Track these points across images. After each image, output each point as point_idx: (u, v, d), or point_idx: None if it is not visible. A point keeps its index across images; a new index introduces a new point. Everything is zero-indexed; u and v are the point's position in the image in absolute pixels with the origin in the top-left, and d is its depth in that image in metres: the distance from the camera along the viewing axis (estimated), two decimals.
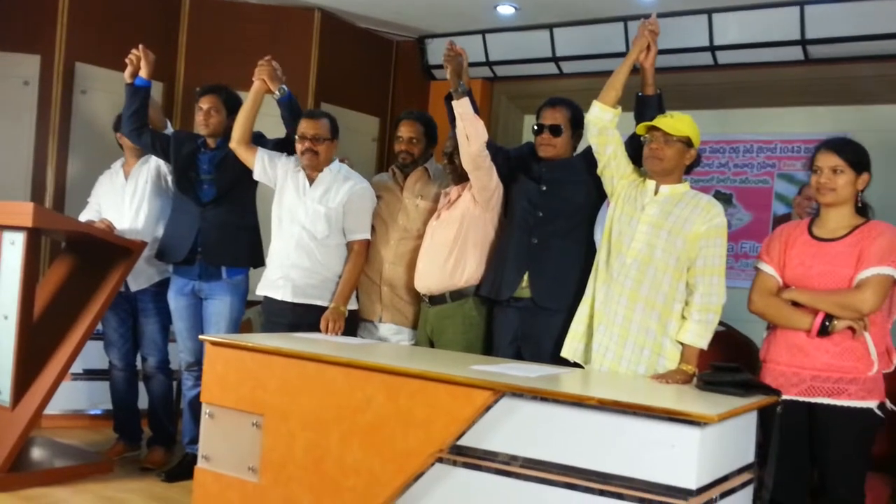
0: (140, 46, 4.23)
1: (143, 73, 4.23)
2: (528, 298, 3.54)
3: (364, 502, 2.83)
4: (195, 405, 3.97)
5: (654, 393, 2.73)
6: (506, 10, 5.99)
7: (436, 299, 3.79)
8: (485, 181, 3.67)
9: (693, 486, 2.31)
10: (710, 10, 5.59)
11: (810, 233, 3.05)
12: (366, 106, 6.67)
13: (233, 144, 4.09)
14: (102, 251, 4.19)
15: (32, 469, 4.06)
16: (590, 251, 3.49)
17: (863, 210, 3.02)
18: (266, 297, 4.01)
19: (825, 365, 2.91)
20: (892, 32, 5.10)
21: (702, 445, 2.32)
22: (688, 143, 3.18)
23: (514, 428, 2.60)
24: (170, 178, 4.44)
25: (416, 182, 4.07)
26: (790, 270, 3.03)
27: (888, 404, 2.96)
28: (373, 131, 6.79)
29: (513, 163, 3.77)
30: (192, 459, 3.54)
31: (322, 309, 3.84)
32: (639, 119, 3.43)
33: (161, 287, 4.42)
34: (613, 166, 3.36)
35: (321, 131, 3.93)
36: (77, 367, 4.76)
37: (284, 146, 4.15)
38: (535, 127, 3.67)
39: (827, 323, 2.89)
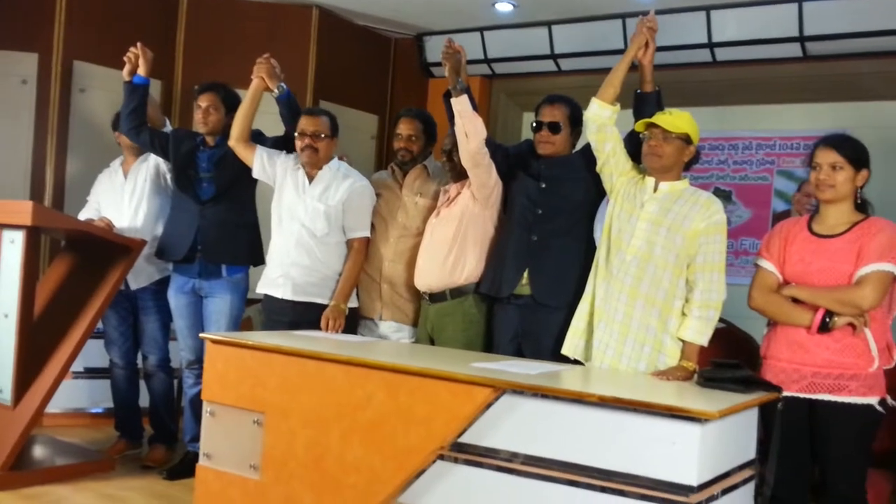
0: (138, 44, 4.22)
1: (141, 71, 4.22)
2: (528, 296, 3.54)
3: (365, 499, 2.84)
4: (196, 403, 3.97)
5: (654, 390, 2.74)
6: (504, 7, 5.99)
7: (436, 297, 3.79)
8: (484, 178, 3.67)
9: (694, 482, 2.31)
10: (708, 7, 5.59)
11: (810, 229, 3.05)
12: (364, 104, 6.67)
13: (232, 142, 4.09)
14: (102, 249, 4.19)
15: (34, 467, 4.06)
16: (589, 248, 3.49)
17: (862, 206, 3.02)
18: (266, 296, 4.01)
19: (826, 361, 2.91)
20: (891, 29, 5.10)
21: (703, 442, 2.33)
22: (687, 139, 3.18)
23: (515, 425, 2.61)
24: (169, 177, 4.44)
25: (415, 180, 4.07)
26: (790, 267, 3.04)
27: (889, 400, 2.95)
28: (371, 129, 6.78)
29: (512, 160, 3.77)
30: (194, 457, 3.54)
31: (322, 307, 3.85)
32: (637, 116, 3.43)
33: (161, 285, 4.42)
34: (612, 163, 3.36)
35: (321, 128, 3.93)
36: (78, 366, 4.76)
37: (283, 144, 4.15)
38: (534, 124, 3.67)
39: (827, 319, 2.88)
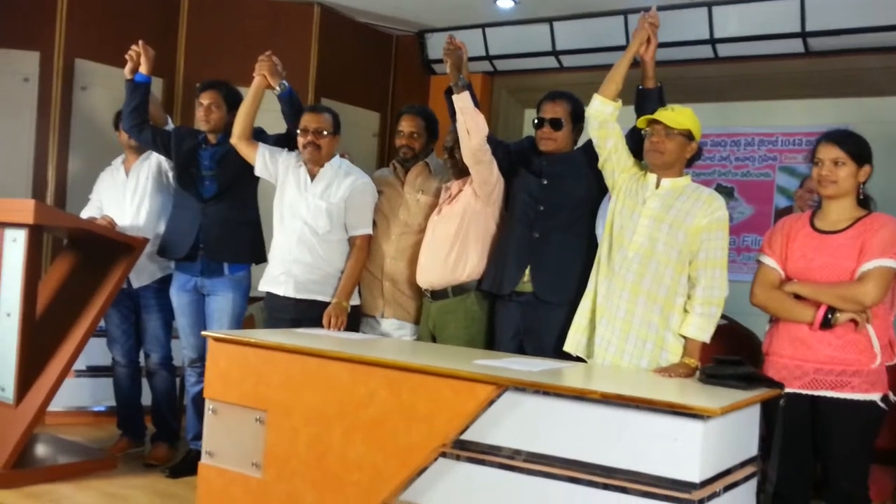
0: (140, 42, 4.22)
1: (142, 69, 4.22)
2: (530, 293, 3.54)
3: (367, 497, 2.83)
4: (198, 401, 3.97)
5: (656, 386, 2.73)
6: (505, 3, 5.98)
7: (438, 294, 3.79)
8: (485, 175, 3.66)
9: (696, 479, 2.31)
10: (709, 3, 5.58)
11: (812, 225, 3.05)
12: (366, 101, 6.67)
13: (233, 140, 4.09)
14: (104, 248, 4.19)
15: (36, 466, 4.07)
16: (591, 245, 3.49)
17: (865, 202, 3.02)
18: (268, 293, 4.01)
19: (828, 358, 2.91)
20: (893, 24, 5.10)
21: (705, 439, 2.32)
22: (689, 136, 3.18)
23: (517, 422, 2.61)
24: (171, 175, 4.44)
25: (416, 177, 4.07)
26: (792, 263, 3.03)
27: (891, 396, 2.96)
28: (373, 126, 6.78)
29: (513, 157, 3.77)
30: (196, 455, 3.54)
31: (324, 304, 3.85)
32: (639, 112, 3.42)
33: (163, 283, 4.42)
34: (614, 160, 3.35)
35: (324, 125, 3.93)
36: (80, 364, 4.76)
37: (285, 142, 4.15)
38: (536, 121, 3.67)
39: (829, 316, 2.88)
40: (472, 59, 4.04)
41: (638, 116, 3.36)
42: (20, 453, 3.92)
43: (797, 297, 2.98)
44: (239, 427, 3.18)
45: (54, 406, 4.36)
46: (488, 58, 6.60)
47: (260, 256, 4.29)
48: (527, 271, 3.56)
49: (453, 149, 3.81)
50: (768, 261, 3.09)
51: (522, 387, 2.60)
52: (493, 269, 3.70)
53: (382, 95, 6.91)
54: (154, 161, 4.51)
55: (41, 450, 4.32)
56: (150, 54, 4.23)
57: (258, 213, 4.35)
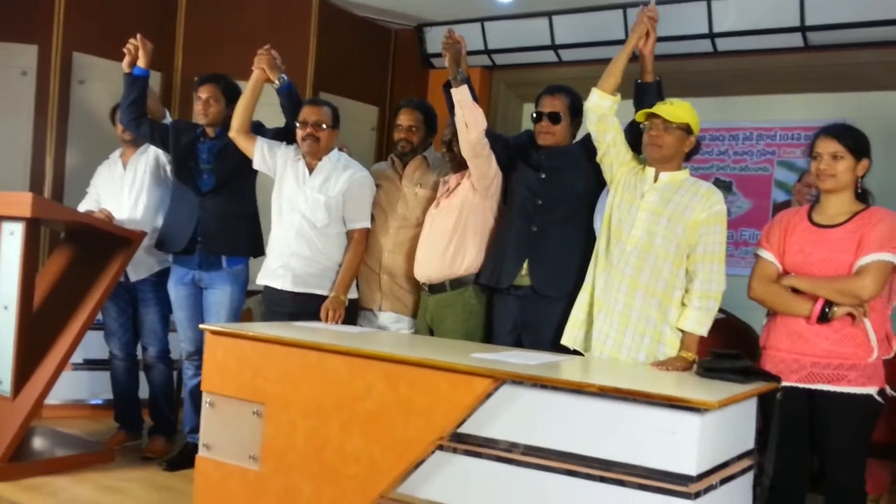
0: (138, 36, 4.21)
1: (141, 63, 4.21)
2: (528, 286, 3.54)
3: (365, 490, 2.84)
4: (196, 394, 3.97)
5: (654, 380, 2.74)
6: None
7: (435, 288, 3.79)
8: (484, 169, 3.66)
9: (693, 472, 2.31)
10: None
11: (810, 219, 3.05)
12: (364, 95, 6.65)
13: (232, 134, 4.08)
14: (102, 241, 4.19)
15: (33, 458, 4.07)
16: (589, 239, 3.49)
17: (863, 196, 3.02)
18: (266, 287, 4.01)
19: (825, 351, 2.91)
20: (892, 18, 5.09)
21: (702, 432, 2.33)
22: (687, 130, 3.18)
23: (515, 415, 2.61)
24: (169, 168, 4.44)
25: (415, 170, 4.06)
26: (790, 257, 3.03)
27: (888, 390, 2.96)
28: (371, 120, 6.77)
29: (512, 151, 3.77)
30: (193, 448, 3.54)
31: (322, 298, 3.84)
32: (638, 106, 3.42)
33: (161, 277, 4.42)
34: (613, 154, 3.35)
35: (323, 118, 3.93)
36: (77, 357, 4.76)
37: (284, 135, 4.14)
38: (534, 115, 3.66)
39: (827, 309, 2.88)
40: (470, 53, 4.04)
41: (636, 110, 3.36)
42: (17, 446, 3.92)
43: (795, 290, 2.99)
44: (236, 420, 3.18)
45: (51, 399, 4.37)
46: (487, 52, 6.59)
47: (258, 250, 4.29)
48: (525, 265, 3.56)
49: (451, 142, 3.80)
50: (766, 255, 3.10)
51: (520, 380, 2.60)
52: (491, 263, 3.70)
53: (381, 89, 6.90)
54: (152, 154, 4.50)
55: (38, 443, 4.32)
56: (149, 48, 4.22)
57: (256, 207, 4.35)
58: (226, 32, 5.87)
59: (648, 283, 3.12)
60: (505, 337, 3.59)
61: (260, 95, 4.08)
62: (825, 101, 5.67)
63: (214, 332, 3.32)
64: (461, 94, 3.55)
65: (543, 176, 3.62)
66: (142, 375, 4.63)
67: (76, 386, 5.04)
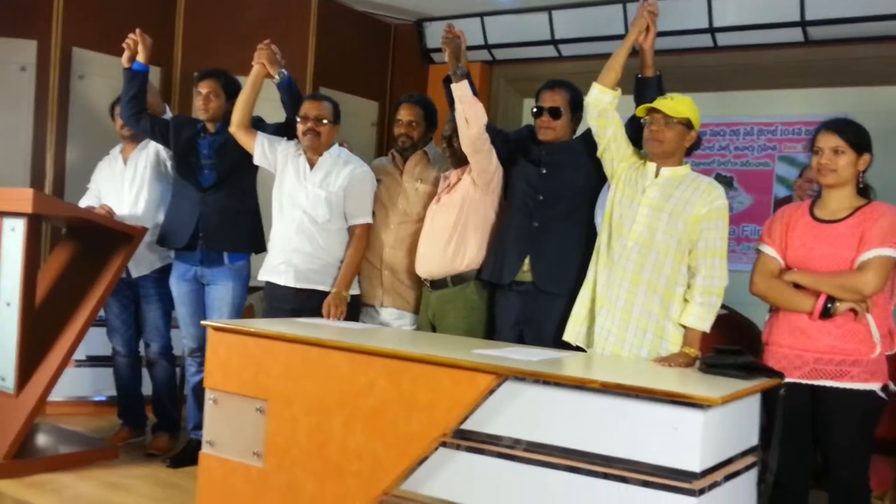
0: (137, 31, 4.20)
1: (140, 58, 4.20)
2: (530, 282, 3.54)
3: (367, 487, 2.84)
4: (199, 391, 3.97)
5: (656, 376, 2.74)
6: None
7: (437, 284, 3.79)
8: (484, 164, 3.66)
9: (697, 468, 2.32)
10: None
11: (812, 214, 3.04)
12: (364, 90, 6.64)
13: (232, 129, 4.08)
14: (103, 237, 4.19)
15: (37, 455, 4.07)
16: (591, 234, 3.49)
17: (864, 191, 3.01)
18: (268, 283, 4.01)
19: (828, 347, 2.91)
20: (893, 13, 5.08)
21: (705, 428, 2.33)
22: (688, 124, 3.17)
23: (517, 412, 2.61)
24: (169, 164, 4.43)
25: (415, 166, 4.06)
26: (792, 252, 3.03)
27: (891, 386, 2.96)
28: (372, 115, 6.77)
29: (512, 146, 3.76)
30: (197, 445, 3.55)
31: (324, 294, 3.85)
32: (638, 101, 3.42)
33: (163, 273, 4.42)
34: (613, 149, 3.35)
35: (324, 113, 3.93)
36: (80, 354, 4.76)
37: (284, 131, 4.14)
38: (535, 109, 3.66)
39: (829, 305, 2.88)
40: (470, 48, 4.04)
41: (637, 105, 3.36)
42: (21, 443, 3.92)
43: (797, 286, 2.98)
44: (239, 417, 3.18)
45: (55, 396, 4.36)
46: (487, 47, 6.58)
47: (259, 246, 4.29)
48: (526, 261, 3.55)
49: (452, 138, 3.80)
50: (768, 250, 3.09)
51: (522, 376, 2.60)
52: (493, 259, 3.70)
53: (381, 84, 6.89)
54: (152, 150, 4.50)
55: (42, 439, 4.32)
56: (148, 43, 4.20)
57: (257, 203, 4.35)
58: (226, 27, 5.86)
59: (650, 278, 3.12)
60: (507, 333, 3.59)
61: (260, 90, 4.08)
62: (826, 96, 5.67)
63: (216, 329, 3.33)
64: (461, 90, 3.55)
65: (544, 171, 3.62)
66: (145, 372, 4.63)
67: (79, 382, 5.04)
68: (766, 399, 2.79)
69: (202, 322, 3.59)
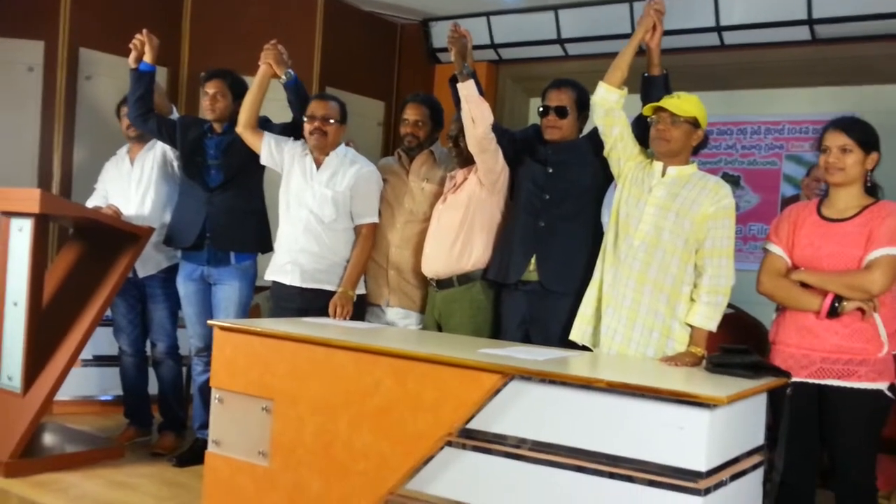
0: (144, 31, 4.20)
1: (147, 58, 4.21)
2: (536, 282, 3.54)
3: (373, 486, 2.84)
4: (205, 390, 3.98)
5: (663, 375, 2.73)
6: None
7: (443, 283, 3.78)
8: (490, 164, 3.66)
9: (703, 468, 2.31)
10: None
11: (819, 213, 3.03)
12: (370, 90, 6.65)
13: (239, 129, 4.08)
14: (110, 237, 4.20)
15: (44, 455, 4.08)
16: (597, 234, 3.48)
17: (872, 190, 3.00)
18: (274, 282, 4.01)
19: (835, 346, 2.90)
20: None
21: (711, 427, 2.32)
22: (695, 123, 3.16)
23: (523, 411, 2.60)
24: (176, 164, 4.44)
25: (421, 165, 4.06)
26: (799, 251, 3.02)
27: None
28: (378, 115, 6.77)
29: (518, 145, 3.76)
30: (203, 444, 3.56)
31: (330, 293, 3.85)
32: (645, 100, 3.40)
33: (169, 273, 4.43)
34: (620, 148, 3.34)
35: (331, 113, 3.93)
36: (87, 354, 4.76)
37: (291, 131, 4.14)
38: (541, 109, 3.65)
39: (836, 304, 2.87)
40: (476, 47, 4.02)
41: (644, 104, 3.34)
42: (28, 442, 3.93)
43: (804, 285, 2.97)
44: (245, 416, 3.19)
45: (61, 395, 4.36)
46: (493, 46, 6.58)
47: (266, 245, 4.29)
48: (532, 260, 3.55)
49: (458, 137, 3.79)
50: (775, 249, 3.08)
51: (528, 375, 2.60)
52: (499, 258, 3.69)
53: (387, 84, 6.90)
54: (159, 150, 4.51)
55: (48, 439, 4.33)
56: (155, 43, 4.21)
57: (264, 202, 4.35)
58: (232, 28, 5.87)
59: (657, 278, 3.11)
60: (513, 332, 3.58)
61: (267, 91, 4.08)
62: (833, 95, 5.66)
63: (223, 328, 3.33)
64: (467, 89, 3.55)
65: (550, 171, 3.61)
66: (151, 372, 4.64)
67: (86, 382, 5.05)
68: (772, 398, 2.78)
69: (208, 321, 3.60)
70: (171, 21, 5.86)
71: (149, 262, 4.41)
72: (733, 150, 6.07)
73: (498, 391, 2.64)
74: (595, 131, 3.47)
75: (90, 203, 4.56)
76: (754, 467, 2.67)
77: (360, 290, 3.95)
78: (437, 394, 2.73)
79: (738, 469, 2.54)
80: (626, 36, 3.67)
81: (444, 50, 4.11)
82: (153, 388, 4.63)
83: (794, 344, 2.98)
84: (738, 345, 2.82)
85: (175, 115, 4.58)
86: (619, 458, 2.42)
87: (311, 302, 3.87)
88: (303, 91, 4.14)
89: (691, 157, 3.25)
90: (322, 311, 3.81)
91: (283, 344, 3.12)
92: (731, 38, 5.71)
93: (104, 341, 4.76)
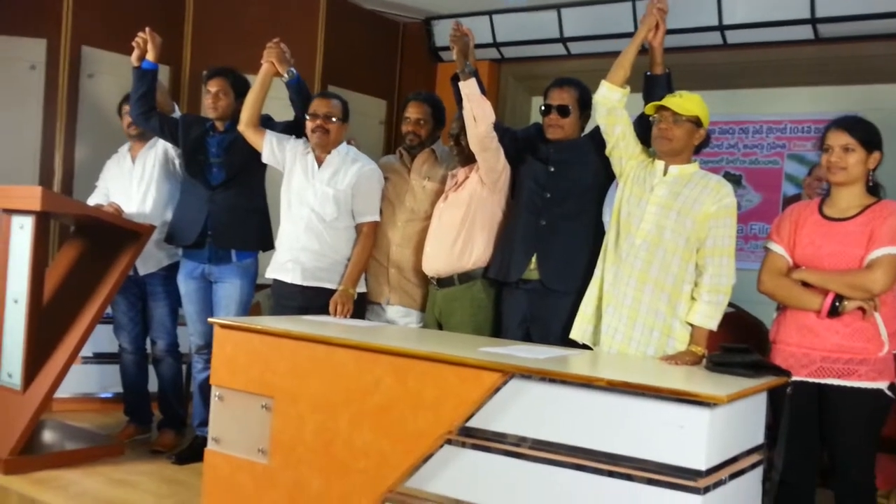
0: (147, 29, 4.21)
1: (149, 57, 4.21)
2: (537, 280, 3.53)
3: (373, 484, 2.84)
4: (205, 388, 3.99)
5: (663, 374, 2.73)
6: None
7: (444, 282, 3.78)
8: (492, 162, 3.65)
9: (702, 466, 2.31)
10: None
11: (821, 212, 3.03)
12: (372, 88, 6.65)
13: (241, 127, 4.08)
14: (111, 235, 4.20)
15: (44, 452, 4.08)
16: (598, 232, 3.48)
17: (874, 189, 3.00)
18: (275, 280, 4.01)
19: (835, 346, 2.90)
20: None
21: (711, 426, 2.32)
22: (697, 122, 3.16)
23: (523, 409, 2.60)
24: (178, 162, 4.45)
25: (423, 163, 4.06)
26: (800, 250, 3.02)
27: None
28: (380, 114, 6.77)
29: (520, 144, 3.76)
30: (203, 442, 3.56)
31: (331, 292, 3.85)
32: (647, 99, 3.40)
33: (170, 271, 4.43)
34: (622, 147, 3.34)
35: (333, 111, 3.93)
36: (87, 351, 4.78)
37: (293, 129, 4.14)
38: (543, 107, 3.65)
39: (837, 303, 2.87)
40: (478, 46, 4.03)
41: (646, 103, 3.34)
42: (27, 439, 3.93)
43: (805, 284, 2.97)
44: (245, 414, 3.19)
45: (61, 392, 4.35)
46: (495, 45, 6.57)
47: (267, 244, 4.29)
48: (533, 259, 3.55)
49: (459, 136, 3.79)
50: (776, 248, 3.08)
51: (528, 374, 2.59)
52: (500, 257, 3.69)
53: (389, 83, 6.89)
54: (160, 148, 4.51)
55: (48, 436, 4.33)
56: (157, 41, 4.21)
57: (266, 201, 4.35)
58: (234, 26, 5.87)
59: (658, 277, 3.11)
60: (514, 331, 3.58)
61: (269, 89, 4.08)
62: (836, 94, 5.65)
63: (223, 326, 3.33)
64: (469, 88, 3.55)
65: (552, 169, 3.61)
66: (151, 369, 4.64)
67: (86, 379, 5.06)
68: (772, 397, 2.77)
69: (209, 319, 3.60)
70: (174, 19, 5.87)
71: (150, 260, 4.41)
72: (735, 149, 6.06)
73: (498, 389, 2.63)
74: (597, 130, 3.47)
75: (91, 201, 4.56)
76: (754, 466, 2.66)
77: (361, 289, 3.95)
78: (438, 392, 2.73)
79: (738, 468, 2.53)
80: (629, 35, 3.67)
81: (447, 48, 4.11)
82: (153, 385, 4.63)
83: (794, 343, 2.98)
84: (738, 344, 2.81)
85: (177, 113, 4.58)
86: (619, 456, 2.42)
87: (311, 300, 3.87)
88: (305, 89, 4.14)
89: (693, 156, 3.25)
90: (323, 310, 3.81)
91: (284, 342, 3.12)
92: (733, 37, 5.70)
93: (104, 339, 4.76)
